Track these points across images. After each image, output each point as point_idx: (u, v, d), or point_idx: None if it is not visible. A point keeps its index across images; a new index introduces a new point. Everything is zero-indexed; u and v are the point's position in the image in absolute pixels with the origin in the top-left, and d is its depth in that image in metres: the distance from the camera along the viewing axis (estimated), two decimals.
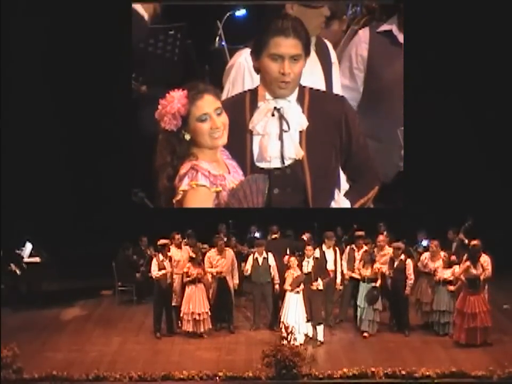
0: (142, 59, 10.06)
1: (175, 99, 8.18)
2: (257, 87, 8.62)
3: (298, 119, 8.60)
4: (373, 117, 12.00)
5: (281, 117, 8.29)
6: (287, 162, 8.58)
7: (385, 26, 13.28)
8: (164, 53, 9.68)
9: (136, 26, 10.18)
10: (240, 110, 8.29)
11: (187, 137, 8.17)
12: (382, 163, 11.80)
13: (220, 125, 8.24)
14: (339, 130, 9.54)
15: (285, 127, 8.36)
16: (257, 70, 8.57)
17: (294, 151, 8.48)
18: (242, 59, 8.85)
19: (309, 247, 12.70)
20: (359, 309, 12.74)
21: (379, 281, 12.61)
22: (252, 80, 8.73)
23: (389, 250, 13.20)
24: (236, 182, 8.80)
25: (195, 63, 9.13)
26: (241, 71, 8.84)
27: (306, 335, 12.42)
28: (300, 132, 8.67)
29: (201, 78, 9.25)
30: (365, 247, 13.36)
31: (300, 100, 9.07)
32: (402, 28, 12.99)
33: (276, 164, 8.60)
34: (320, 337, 12.49)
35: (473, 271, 12.13)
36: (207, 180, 8.08)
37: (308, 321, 12.45)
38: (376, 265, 12.69)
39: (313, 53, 9.23)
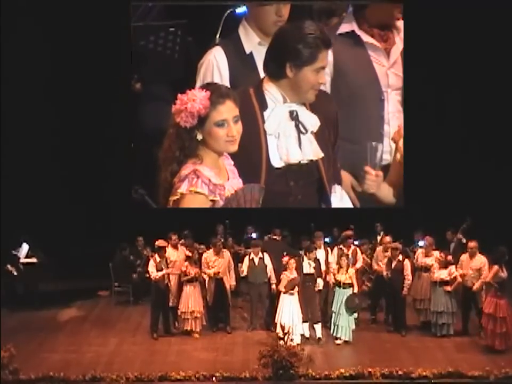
0: (142, 56, 10.18)
1: (197, 99, 8.17)
2: (261, 83, 8.57)
3: (311, 120, 8.68)
4: (347, 120, 11.83)
5: (297, 120, 8.36)
6: (304, 162, 8.69)
7: (345, 27, 12.32)
8: (164, 50, 9.70)
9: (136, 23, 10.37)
10: (249, 108, 8.28)
11: (199, 137, 8.18)
12: (356, 164, 11.58)
13: (235, 133, 8.32)
14: (334, 128, 9.70)
15: (302, 129, 8.45)
16: (285, 76, 8.38)
17: (312, 152, 8.59)
18: (212, 57, 9.00)
19: (314, 251, 12.76)
20: (333, 315, 12.54)
21: (356, 287, 12.50)
22: (220, 77, 8.86)
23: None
24: (233, 189, 8.87)
25: (195, 60, 9.19)
26: (211, 68, 8.97)
27: (302, 336, 12.43)
28: (312, 132, 8.73)
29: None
30: (352, 247, 13.39)
31: None
32: (363, 27, 12.20)
33: (295, 162, 8.65)
34: (319, 334, 12.57)
35: (502, 274, 12.09)
36: (207, 187, 8.11)
37: (304, 321, 12.47)
38: (351, 270, 12.58)
39: None
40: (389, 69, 10.52)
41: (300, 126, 8.53)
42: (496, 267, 12.10)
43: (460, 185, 15.71)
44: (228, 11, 9.33)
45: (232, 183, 8.78)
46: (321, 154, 8.69)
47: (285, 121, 8.49)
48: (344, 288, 12.50)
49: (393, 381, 11.09)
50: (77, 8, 14.94)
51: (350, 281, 12.48)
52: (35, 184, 15.61)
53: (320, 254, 13.13)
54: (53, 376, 11.05)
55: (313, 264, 12.68)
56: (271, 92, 8.53)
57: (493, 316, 11.97)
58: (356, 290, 12.50)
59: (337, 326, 12.44)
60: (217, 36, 9.35)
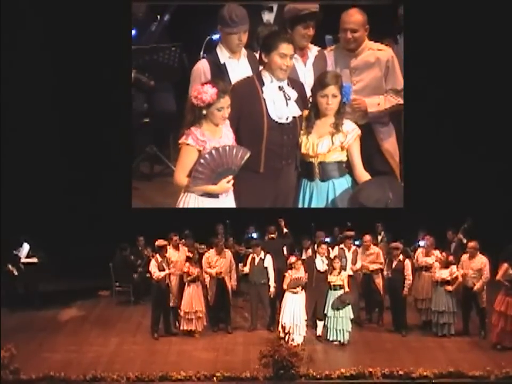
0: (153, 65, 14.48)
1: (209, 93, 11.89)
2: (260, 72, 12.41)
3: (292, 93, 12.36)
4: None
5: (284, 91, 12.22)
6: (291, 119, 12.35)
7: None
8: (168, 61, 14.35)
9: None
10: (253, 87, 12.26)
11: (204, 112, 11.86)
12: None
13: (226, 115, 12.05)
14: (303, 100, 12.71)
15: (287, 97, 12.20)
16: (263, 62, 12.29)
17: (296, 111, 12.26)
18: (200, 65, 12.94)
19: (323, 246, 12.85)
20: (327, 318, 12.54)
21: (347, 289, 12.49)
22: (205, 79, 12.65)
23: (375, 250, 13.28)
24: (219, 144, 11.98)
25: (188, 68, 13.45)
26: (199, 73, 12.84)
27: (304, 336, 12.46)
28: (295, 100, 12.45)
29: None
30: (353, 247, 13.43)
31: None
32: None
33: (284, 119, 12.36)
34: (319, 331, 12.67)
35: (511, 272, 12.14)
36: (194, 141, 11.85)
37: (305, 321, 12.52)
38: (344, 273, 12.62)
39: (246, 63, 13.05)
40: (305, 72, 13.37)
41: (286, 95, 12.19)
42: (505, 265, 12.13)
43: (460, 185, 15.73)
44: (208, 37, 13.43)
45: (222, 141, 12.04)
46: (300, 112, 12.32)
47: (276, 92, 12.18)
48: (335, 289, 12.54)
49: (394, 380, 11.09)
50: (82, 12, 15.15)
51: (340, 283, 12.50)
52: (36, 184, 15.62)
53: None
54: (53, 376, 11.03)
55: (326, 262, 12.75)
56: (265, 75, 12.33)
57: (504, 314, 12.00)
58: (347, 289, 12.50)
59: (335, 329, 12.46)
60: (202, 52, 13.33)
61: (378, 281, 13.24)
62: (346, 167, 12.52)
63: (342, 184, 12.35)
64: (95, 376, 11.10)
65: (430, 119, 15.68)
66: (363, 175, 12.47)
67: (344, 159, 12.33)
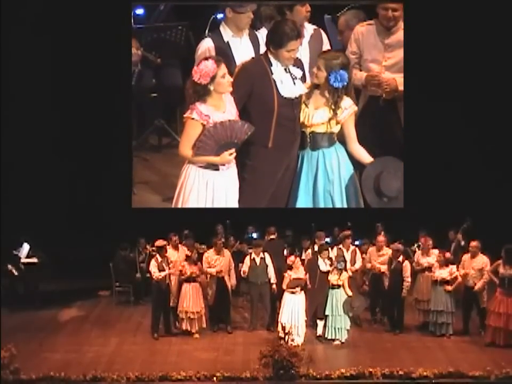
0: (161, 43, 15.02)
1: (210, 67, 12.22)
2: (266, 54, 12.74)
3: (297, 72, 12.81)
4: None
5: (290, 72, 12.69)
6: (298, 95, 12.73)
7: None
8: (175, 39, 14.93)
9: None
10: (263, 67, 12.64)
11: (210, 88, 12.22)
12: None
13: (231, 80, 12.36)
14: (304, 78, 13.33)
15: (294, 77, 12.69)
16: (270, 51, 12.71)
17: (302, 89, 12.73)
18: (204, 44, 13.38)
19: (325, 252, 12.89)
20: (329, 318, 12.52)
21: (348, 291, 12.47)
22: (209, 55, 13.05)
23: (387, 251, 13.26)
24: (223, 119, 12.26)
25: (194, 45, 13.81)
26: (204, 50, 13.25)
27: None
28: (299, 78, 12.93)
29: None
30: (352, 247, 13.43)
31: None
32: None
33: (293, 96, 12.74)
34: (320, 331, 12.67)
35: (502, 270, 12.18)
36: (198, 115, 12.12)
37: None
38: (344, 274, 12.59)
39: (248, 41, 13.51)
40: (301, 51, 13.78)
41: (292, 75, 12.68)
42: (499, 261, 12.16)
43: (461, 185, 15.71)
44: (213, 16, 13.82)
45: (226, 115, 12.31)
46: (306, 90, 12.80)
47: (283, 73, 12.62)
48: (333, 288, 12.52)
49: (394, 380, 11.09)
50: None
51: (340, 283, 12.48)
52: (36, 183, 15.61)
53: None
54: (53, 376, 11.02)
55: (328, 262, 12.79)
56: (271, 57, 12.70)
57: (499, 313, 12.08)
58: (349, 293, 12.49)
59: (333, 328, 12.46)
60: (207, 31, 13.63)
61: (387, 282, 13.22)
62: (338, 139, 12.76)
63: (330, 153, 12.62)
64: (95, 376, 11.09)
65: (431, 119, 15.66)
66: (360, 150, 12.71)
67: (336, 130, 12.61)
